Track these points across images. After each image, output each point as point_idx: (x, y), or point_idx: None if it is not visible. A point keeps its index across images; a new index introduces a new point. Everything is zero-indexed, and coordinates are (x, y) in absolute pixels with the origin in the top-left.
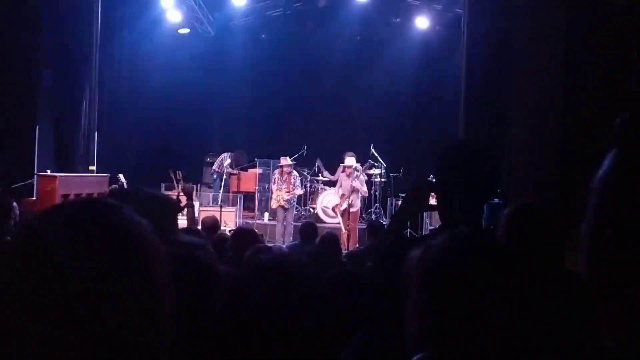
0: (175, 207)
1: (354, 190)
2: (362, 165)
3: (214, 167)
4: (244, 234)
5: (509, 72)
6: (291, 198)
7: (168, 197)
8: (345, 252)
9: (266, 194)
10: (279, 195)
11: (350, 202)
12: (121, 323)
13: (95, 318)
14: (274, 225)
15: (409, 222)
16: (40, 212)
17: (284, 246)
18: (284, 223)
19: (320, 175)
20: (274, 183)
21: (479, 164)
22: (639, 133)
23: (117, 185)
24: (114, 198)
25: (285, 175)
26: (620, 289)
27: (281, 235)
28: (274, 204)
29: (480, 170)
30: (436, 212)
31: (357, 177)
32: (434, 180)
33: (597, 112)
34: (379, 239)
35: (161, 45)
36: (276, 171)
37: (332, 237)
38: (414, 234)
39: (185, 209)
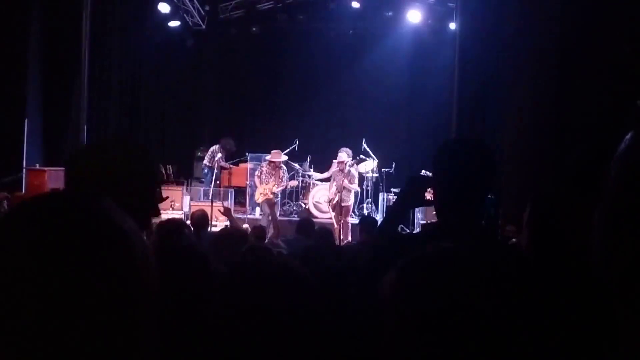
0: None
1: (345, 187)
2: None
3: (205, 162)
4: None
5: (502, 66)
6: (279, 192)
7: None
8: (339, 246)
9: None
10: (266, 188)
11: (341, 197)
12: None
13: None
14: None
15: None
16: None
17: (279, 241)
18: (269, 217)
19: (311, 170)
20: (260, 176)
21: (476, 159)
22: None
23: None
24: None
25: (276, 169)
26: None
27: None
28: (259, 197)
29: (477, 166)
30: (429, 207)
31: (348, 172)
32: (429, 175)
33: (590, 106)
34: (373, 234)
35: (151, 38)
36: (264, 164)
37: (327, 231)
38: (406, 228)
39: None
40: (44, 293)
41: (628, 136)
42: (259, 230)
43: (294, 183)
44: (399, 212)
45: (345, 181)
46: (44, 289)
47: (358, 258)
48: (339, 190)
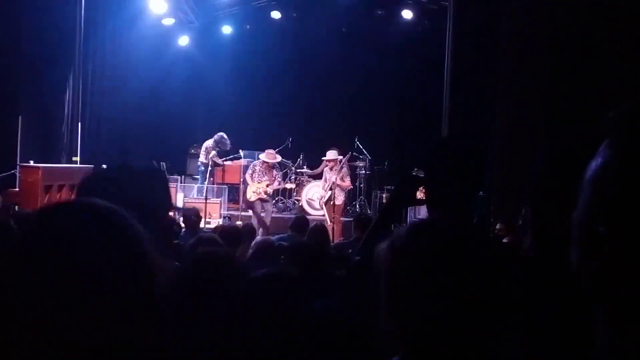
0: (165, 177)
1: (339, 185)
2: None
3: (200, 159)
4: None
5: (495, 65)
6: (273, 191)
7: (156, 168)
8: (332, 244)
9: None
10: (259, 187)
11: (334, 194)
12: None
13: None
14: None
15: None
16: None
17: (274, 238)
18: (262, 214)
19: (304, 167)
20: (252, 173)
21: (466, 159)
22: (637, 125)
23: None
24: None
25: (269, 169)
26: (615, 286)
27: (257, 227)
28: (252, 196)
29: (467, 166)
30: (423, 206)
31: (341, 169)
32: (421, 174)
33: (582, 103)
34: (366, 233)
35: (145, 35)
36: (257, 162)
37: (321, 228)
38: (399, 227)
39: None
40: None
41: (604, 147)
42: (248, 229)
43: (290, 185)
44: (391, 211)
45: (338, 179)
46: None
47: (349, 255)
48: (330, 187)
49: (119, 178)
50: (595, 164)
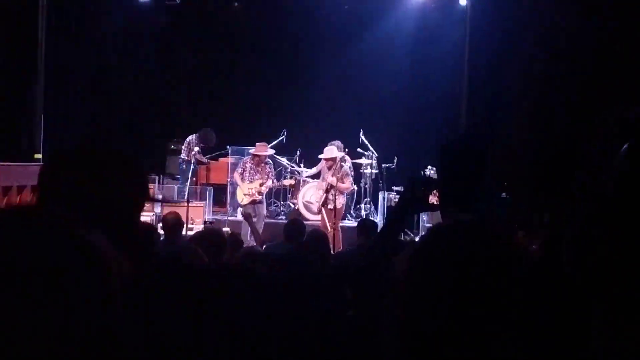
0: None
1: (338, 188)
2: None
3: (182, 156)
4: None
5: (518, 48)
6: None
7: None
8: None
9: None
10: (251, 187)
11: (329, 197)
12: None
13: None
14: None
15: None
16: None
17: (263, 247)
18: (255, 219)
19: (301, 166)
20: (243, 172)
21: (486, 157)
22: None
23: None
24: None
25: (261, 165)
26: (612, 286)
27: (248, 234)
28: (244, 199)
29: (487, 165)
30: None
31: (340, 168)
32: (433, 172)
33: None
34: (371, 240)
35: (117, 15)
36: (247, 159)
37: (320, 236)
38: (410, 233)
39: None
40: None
41: (623, 150)
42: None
43: (289, 182)
44: (399, 218)
45: (334, 179)
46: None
47: (349, 265)
48: (327, 189)
49: (82, 165)
50: (613, 167)
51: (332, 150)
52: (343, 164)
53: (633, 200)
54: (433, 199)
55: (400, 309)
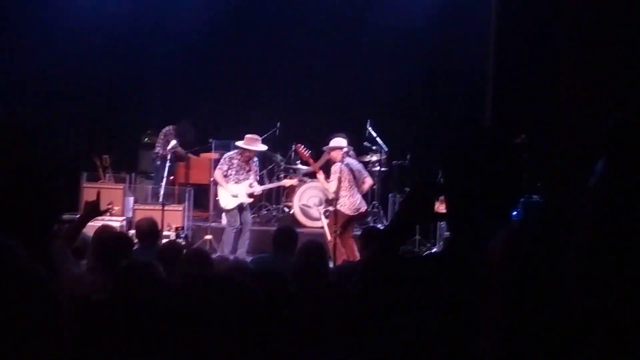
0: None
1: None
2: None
3: (156, 150)
4: None
5: (554, 30)
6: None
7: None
8: (333, 267)
9: None
10: (239, 190)
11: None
12: None
13: None
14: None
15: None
16: None
17: (248, 260)
18: (240, 225)
19: (297, 163)
20: (228, 170)
21: (495, 158)
22: (630, 136)
23: None
24: None
25: (248, 162)
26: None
27: (232, 244)
28: (229, 203)
29: (501, 166)
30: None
31: (333, 164)
32: (441, 179)
33: None
34: (372, 253)
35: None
36: (234, 153)
37: (316, 246)
38: (427, 243)
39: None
40: None
41: (602, 160)
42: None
43: (289, 182)
44: (401, 228)
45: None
46: None
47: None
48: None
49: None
50: (595, 177)
51: (339, 141)
52: (340, 163)
53: (614, 226)
54: (441, 207)
55: (497, 303)
